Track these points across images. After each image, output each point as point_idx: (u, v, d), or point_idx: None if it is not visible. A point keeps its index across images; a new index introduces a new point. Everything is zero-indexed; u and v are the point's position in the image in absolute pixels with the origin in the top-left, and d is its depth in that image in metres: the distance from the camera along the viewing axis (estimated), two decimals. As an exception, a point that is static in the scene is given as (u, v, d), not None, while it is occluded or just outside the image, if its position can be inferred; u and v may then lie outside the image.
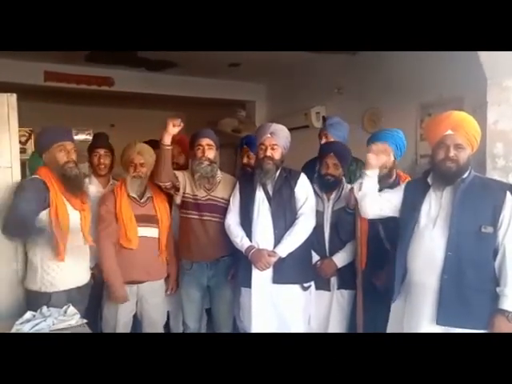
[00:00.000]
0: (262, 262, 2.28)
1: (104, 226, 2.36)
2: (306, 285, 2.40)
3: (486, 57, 2.60)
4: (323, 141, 2.76)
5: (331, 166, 2.44)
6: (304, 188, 2.40)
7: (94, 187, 2.70)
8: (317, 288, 2.47)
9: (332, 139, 2.74)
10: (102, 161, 2.74)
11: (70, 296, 2.14)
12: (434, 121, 2.03)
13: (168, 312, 2.70)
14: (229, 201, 2.48)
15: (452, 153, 1.86)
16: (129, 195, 2.43)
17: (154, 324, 2.50)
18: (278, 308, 2.36)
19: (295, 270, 2.35)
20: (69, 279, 2.15)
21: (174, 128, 2.25)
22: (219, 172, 2.54)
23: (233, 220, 2.43)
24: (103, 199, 2.45)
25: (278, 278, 2.34)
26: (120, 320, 2.41)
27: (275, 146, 2.37)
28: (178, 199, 2.52)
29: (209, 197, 2.49)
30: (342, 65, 4.07)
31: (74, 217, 2.18)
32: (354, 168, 2.81)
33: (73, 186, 2.15)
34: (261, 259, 2.29)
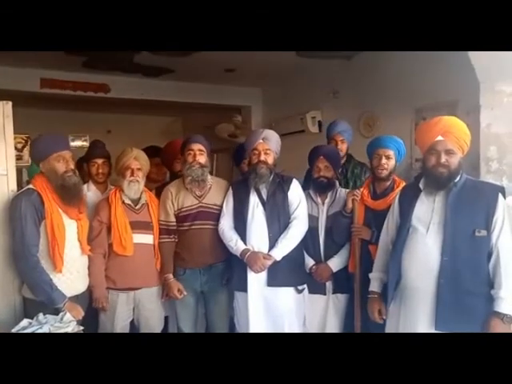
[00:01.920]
0: (257, 264, 2.31)
1: (93, 235, 2.35)
2: (300, 288, 2.41)
3: (479, 61, 2.62)
4: (339, 145, 2.83)
5: (323, 169, 2.49)
6: (297, 192, 2.43)
7: (92, 194, 2.71)
8: (313, 292, 2.48)
9: (346, 144, 2.85)
10: (100, 171, 2.75)
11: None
12: (424, 127, 2.04)
13: (166, 318, 2.69)
14: (221, 206, 2.49)
15: (443, 159, 1.86)
16: (123, 202, 2.43)
17: (152, 330, 2.49)
18: (272, 311, 2.37)
19: (289, 272, 2.37)
20: (66, 288, 2.13)
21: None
22: (209, 177, 2.55)
23: (226, 225, 2.44)
24: (97, 208, 2.45)
25: (272, 281, 2.35)
26: (117, 326, 2.41)
27: (268, 151, 2.40)
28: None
29: (200, 204, 2.49)
30: (338, 69, 4.09)
31: (71, 227, 2.17)
32: (359, 171, 2.83)
33: (71, 195, 2.14)
34: (256, 262, 2.31)
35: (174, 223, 2.49)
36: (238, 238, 2.39)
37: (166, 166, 3.06)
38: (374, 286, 2.13)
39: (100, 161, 2.77)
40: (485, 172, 2.68)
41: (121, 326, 2.43)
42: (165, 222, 2.49)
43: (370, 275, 2.16)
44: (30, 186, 2.15)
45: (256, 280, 2.36)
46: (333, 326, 2.46)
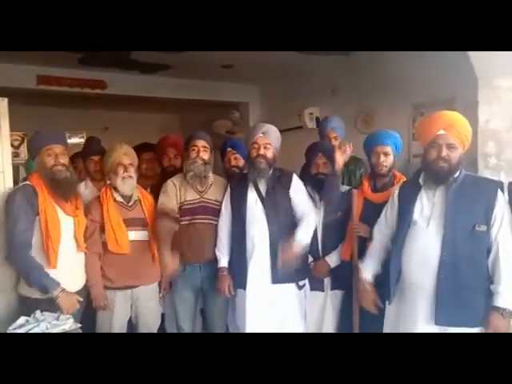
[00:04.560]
0: (222, 288, 2.39)
1: (87, 236, 2.32)
2: (301, 284, 2.41)
3: (476, 57, 2.62)
4: (332, 142, 2.81)
5: (321, 165, 2.49)
6: (300, 190, 2.42)
7: (89, 192, 2.69)
8: (311, 289, 2.48)
9: (339, 140, 2.83)
10: (98, 168, 2.73)
11: None
12: (426, 121, 2.05)
13: (163, 315, 2.69)
14: (221, 203, 2.49)
15: (444, 152, 1.87)
16: (115, 200, 2.40)
17: (150, 327, 2.49)
18: (274, 309, 2.36)
19: (293, 268, 2.34)
20: (62, 285, 2.11)
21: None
22: (211, 175, 2.55)
23: (223, 227, 2.45)
24: (89, 207, 2.40)
25: (277, 278, 2.33)
26: (115, 325, 2.39)
27: (268, 145, 2.39)
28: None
29: (201, 199, 2.49)
30: (336, 66, 4.08)
31: (67, 223, 2.17)
32: (354, 167, 2.82)
33: (62, 189, 2.14)
34: (223, 283, 2.40)
35: (175, 210, 2.45)
36: (222, 255, 2.43)
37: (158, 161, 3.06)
38: (367, 275, 2.12)
39: (97, 158, 2.75)
40: (483, 167, 2.69)
41: (119, 324, 2.41)
42: (164, 207, 2.44)
43: (361, 265, 2.15)
44: (27, 181, 2.16)
45: (256, 277, 2.35)
46: (331, 323, 2.47)
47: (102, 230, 2.36)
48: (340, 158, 2.40)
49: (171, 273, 2.36)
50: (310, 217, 2.35)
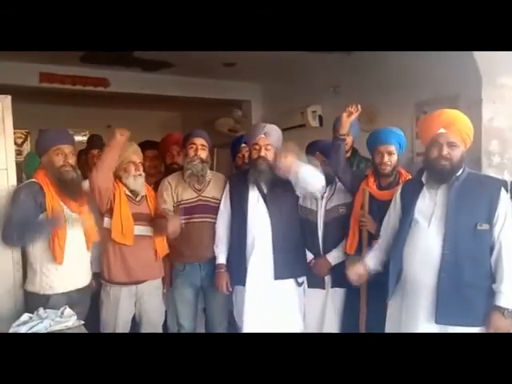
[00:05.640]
0: (220, 283, 2.39)
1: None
2: (300, 280, 2.41)
3: (480, 55, 2.61)
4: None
5: (320, 164, 2.46)
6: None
7: None
8: (312, 286, 2.48)
9: (350, 137, 2.76)
10: (96, 161, 2.73)
11: (69, 298, 2.14)
12: (427, 120, 2.04)
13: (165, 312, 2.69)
14: (219, 200, 2.49)
15: (445, 151, 1.86)
16: (125, 193, 2.42)
17: (153, 324, 2.50)
18: (273, 305, 2.36)
19: (294, 263, 2.37)
20: (68, 282, 2.15)
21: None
22: (209, 172, 2.56)
23: (221, 224, 2.45)
24: None
25: (279, 274, 2.34)
26: (119, 321, 2.40)
27: (269, 147, 2.38)
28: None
29: (199, 198, 2.50)
30: (338, 64, 4.07)
31: (73, 220, 2.17)
32: (364, 166, 2.79)
33: (69, 189, 2.16)
34: (220, 281, 2.38)
35: (172, 212, 2.46)
36: (220, 252, 2.43)
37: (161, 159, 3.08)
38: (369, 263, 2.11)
39: (96, 151, 2.79)
40: (486, 166, 2.68)
41: (123, 320, 2.42)
42: (163, 210, 2.46)
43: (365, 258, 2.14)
44: (33, 179, 2.18)
45: (256, 274, 2.35)
46: (332, 321, 2.47)
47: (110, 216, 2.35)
48: (345, 120, 2.33)
49: (174, 230, 2.32)
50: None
